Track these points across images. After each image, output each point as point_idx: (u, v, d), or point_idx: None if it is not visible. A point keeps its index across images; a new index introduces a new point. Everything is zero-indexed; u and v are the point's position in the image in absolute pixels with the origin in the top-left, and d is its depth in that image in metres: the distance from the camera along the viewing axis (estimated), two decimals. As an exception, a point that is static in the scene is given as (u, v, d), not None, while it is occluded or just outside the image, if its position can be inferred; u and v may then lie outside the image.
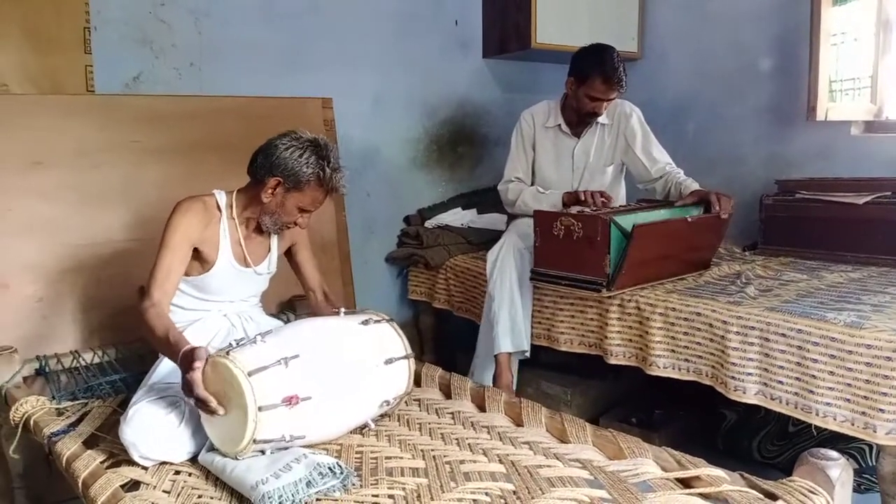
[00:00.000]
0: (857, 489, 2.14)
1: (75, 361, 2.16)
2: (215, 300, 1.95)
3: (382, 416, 1.78)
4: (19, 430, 1.85)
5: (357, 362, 1.68)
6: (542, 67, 3.70)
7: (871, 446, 2.19)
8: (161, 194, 2.41)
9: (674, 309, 2.15)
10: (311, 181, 1.78)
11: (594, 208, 2.42)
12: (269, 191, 1.79)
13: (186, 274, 1.85)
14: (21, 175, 2.22)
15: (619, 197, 2.84)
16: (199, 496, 1.45)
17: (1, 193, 2.18)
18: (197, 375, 1.48)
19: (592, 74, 2.50)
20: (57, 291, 2.25)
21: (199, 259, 1.86)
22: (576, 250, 2.23)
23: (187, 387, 1.50)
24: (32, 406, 1.85)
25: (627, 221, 2.18)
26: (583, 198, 2.49)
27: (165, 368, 1.77)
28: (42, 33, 2.36)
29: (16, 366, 2.04)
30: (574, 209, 2.43)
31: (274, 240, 1.99)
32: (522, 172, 2.79)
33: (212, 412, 1.49)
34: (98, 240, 2.33)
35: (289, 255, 2.10)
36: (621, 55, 2.55)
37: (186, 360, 1.52)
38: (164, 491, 1.46)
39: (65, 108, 2.34)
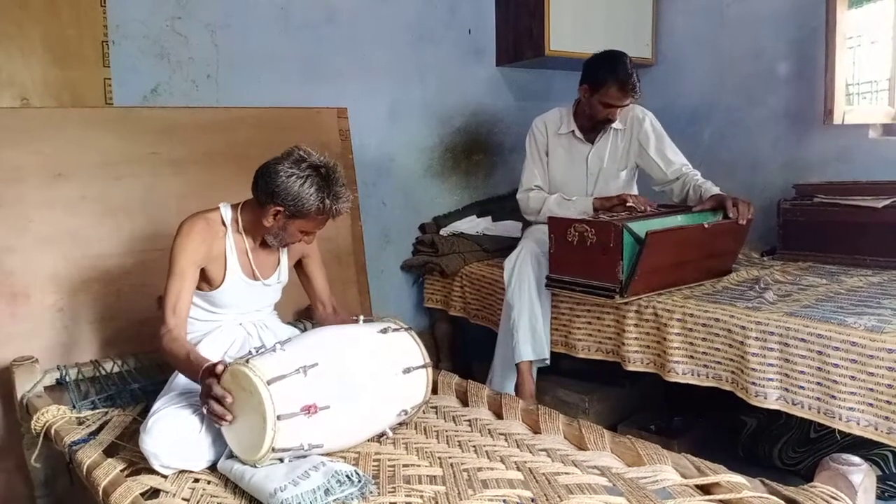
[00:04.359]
0: (881, 496, 2.11)
1: (95, 371, 2.18)
2: (229, 312, 1.96)
3: (400, 424, 1.78)
4: (40, 439, 1.87)
5: (375, 371, 1.68)
6: (556, 75, 3.71)
7: (894, 452, 2.16)
8: (180, 205, 2.43)
9: (692, 315, 2.14)
10: (311, 211, 1.75)
11: (641, 211, 2.42)
12: (270, 217, 1.78)
13: (198, 289, 1.87)
14: (43, 187, 2.25)
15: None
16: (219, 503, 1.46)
17: (23, 205, 2.22)
18: (214, 381, 1.52)
19: (607, 81, 2.50)
20: (78, 301, 2.27)
21: (208, 278, 1.87)
22: (590, 257, 2.23)
23: (205, 391, 1.53)
24: (53, 415, 1.87)
25: (641, 228, 2.17)
26: (630, 202, 2.48)
27: (185, 378, 1.78)
28: (62, 48, 2.40)
29: (37, 375, 2.07)
30: (601, 215, 2.43)
31: (283, 251, 1.99)
32: (541, 180, 2.79)
33: (220, 416, 1.50)
34: (118, 250, 2.35)
35: (298, 266, 2.10)
36: (634, 61, 2.55)
37: (208, 373, 1.55)
38: (184, 499, 1.47)
39: (85, 120, 2.37)
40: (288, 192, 1.72)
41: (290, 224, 1.80)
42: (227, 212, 1.89)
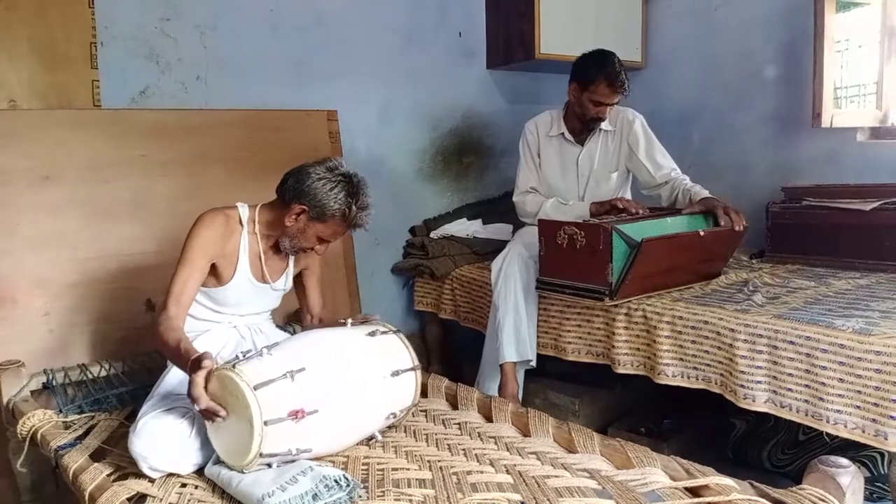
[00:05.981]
0: (869, 497, 2.12)
1: (82, 375, 2.16)
2: (228, 312, 1.96)
3: (389, 427, 1.77)
4: (26, 443, 1.86)
5: (364, 375, 1.67)
6: (547, 77, 3.71)
7: (882, 454, 2.17)
8: (169, 207, 2.42)
9: (681, 317, 2.14)
10: (336, 216, 1.79)
11: (633, 214, 2.42)
12: (293, 216, 1.80)
13: (203, 284, 1.86)
14: (30, 189, 2.24)
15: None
16: (206, 509, 1.45)
17: (10, 208, 2.20)
18: (199, 378, 1.48)
19: (597, 79, 2.51)
20: (65, 305, 2.26)
21: (217, 274, 1.87)
22: (579, 259, 2.23)
23: (191, 386, 1.50)
24: (39, 420, 1.86)
25: (635, 232, 2.17)
26: (620, 206, 2.48)
27: (174, 379, 1.77)
28: (50, 49, 2.38)
29: (23, 380, 2.05)
30: (593, 220, 2.43)
31: (290, 258, 1.99)
32: (536, 182, 2.80)
33: (212, 416, 1.48)
34: (106, 253, 2.34)
35: (297, 276, 2.10)
36: (624, 64, 2.55)
37: (195, 366, 1.52)
38: (171, 504, 1.47)
39: (73, 122, 2.35)
40: (317, 192, 1.76)
41: (309, 227, 1.82)
42: (244, 211, 1.89)
